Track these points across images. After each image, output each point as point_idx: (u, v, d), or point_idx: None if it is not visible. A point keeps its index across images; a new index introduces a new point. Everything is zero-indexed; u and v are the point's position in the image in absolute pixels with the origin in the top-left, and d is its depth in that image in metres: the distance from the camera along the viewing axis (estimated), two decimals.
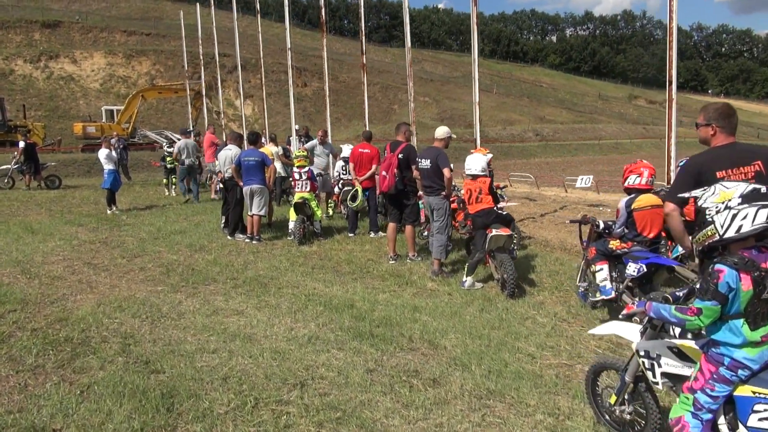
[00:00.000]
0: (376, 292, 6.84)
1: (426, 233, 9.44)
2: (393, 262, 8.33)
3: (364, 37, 13.13)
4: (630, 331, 3.31)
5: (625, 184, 5.53)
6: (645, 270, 5.11)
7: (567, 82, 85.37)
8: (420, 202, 8.66)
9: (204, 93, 25.67)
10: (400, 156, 8.30)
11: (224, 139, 15.55)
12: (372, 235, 10.29)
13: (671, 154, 7.93)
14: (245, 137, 10.54)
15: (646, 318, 3.08)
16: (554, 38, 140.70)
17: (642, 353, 3.10)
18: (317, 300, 6.44)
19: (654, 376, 3.05)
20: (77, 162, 26.81)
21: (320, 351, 4.95)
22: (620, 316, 3.37)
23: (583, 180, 12.60)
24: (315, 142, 12.56)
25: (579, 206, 13.85)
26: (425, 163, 7.52)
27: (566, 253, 8.78)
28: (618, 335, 3.41)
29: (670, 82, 7.90)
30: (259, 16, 22.44)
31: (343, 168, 11.89)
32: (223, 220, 10.94)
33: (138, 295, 6.71)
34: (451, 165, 7.43)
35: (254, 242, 9.87)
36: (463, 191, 7.57)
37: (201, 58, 24.64)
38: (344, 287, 7.07)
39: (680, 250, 6.07)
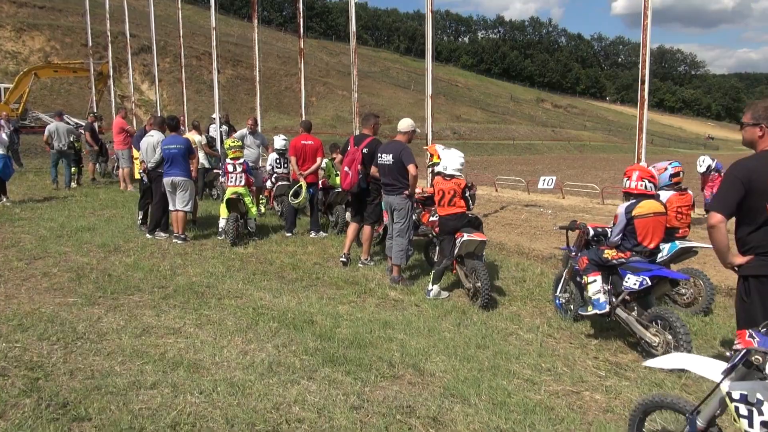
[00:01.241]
0: (334, 303, 6.02)
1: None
2: (343, 260, 7.57)
3: (302, 19, 12.14)
4: (708, 367, 2.73)
5: (627, 186, 5.05)
6: (648, 284, 4.66)
7: (480, 83, 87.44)
8: (383, 203, 7.88)
9: (111, 74, 23.31)
10: (364, 150, 7.44)
11: (136, 125, 14.08)
12: (313, 234, 9.41)
13: (642, 157, 7.65)
14: (165, 122, 9.29)
15: (741, 353, 2.50)
16: (467, 39, 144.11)
17: (736, 396, 2.53)
18: (268, 314, 5.53)
19: (750, 425, 2.49)
20: None
21: (287, 382, 4.09)
22: (732, 352, 2.70)
23: (546, 181, 12.33)
24: (244, 131, 11.45)
25: (518, 206, 13.67)
26: (386, 159, 6.77)
27: (525, 257, 8.36)
28: (690, 370, 2.83)
29: (642, 98, 7.72)
30: None
31: (277, 161, 10.88)
32: (141, 216, 9.64)
33: (44, 310, 5.48)
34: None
35: (179, 242, 8.71)
36: (428, 190, 6.89)
37: (108, 35, 22.37)
38: (295, 297, 6.19)
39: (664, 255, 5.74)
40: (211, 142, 13.40)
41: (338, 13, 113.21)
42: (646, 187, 5.01)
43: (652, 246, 4.92)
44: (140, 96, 44.37)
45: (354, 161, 7.47)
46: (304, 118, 11.44)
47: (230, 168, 8.99)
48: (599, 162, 41.03)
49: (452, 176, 6.45)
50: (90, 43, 23.72)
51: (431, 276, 6.42)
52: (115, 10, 33.91)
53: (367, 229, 7.60)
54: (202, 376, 4.14)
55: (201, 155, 11.98)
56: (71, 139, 14.39)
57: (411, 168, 6.54)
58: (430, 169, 8.64)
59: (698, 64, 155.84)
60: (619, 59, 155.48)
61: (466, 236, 6.23)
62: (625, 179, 5.09)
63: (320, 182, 9.90)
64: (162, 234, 9.04)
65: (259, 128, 12.40)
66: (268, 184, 11.23)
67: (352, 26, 10.39)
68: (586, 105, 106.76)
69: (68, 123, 15.60)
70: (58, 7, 49.91)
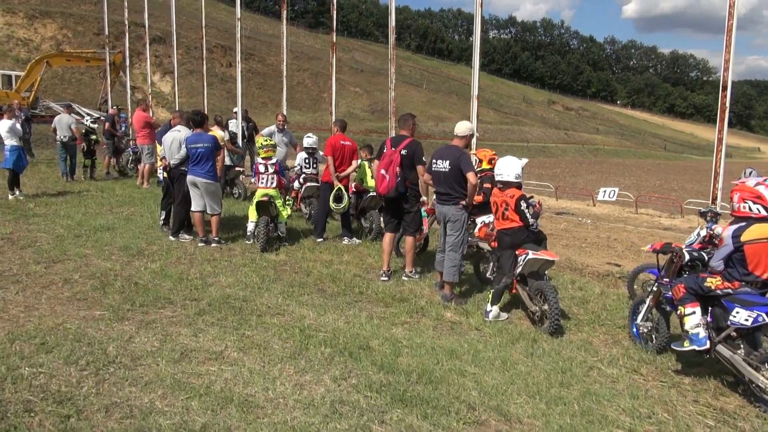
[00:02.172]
0: (387, 324, 5.44)
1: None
2: (386, 279, 6.96)
3: (335, 11, 11.53)
4: None
5: (738, 209, 4.43)
6: (765, 321, 4.06)
7: (492, 83, 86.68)
8: (423, 210, 7.33)
9: (127, 64, 22.76)
10: (403, 152, 6.85)
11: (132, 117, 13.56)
12: (346, 241, 8.84)
13: (719, 170, 6.99)
14: (191, 117, 8.70)
15: None
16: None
17: None
18: (317, 336, 4.96)
19: None
20: None
21: (357, 428, 3.52)
22: None
23: (607, 193, 11.66)
24: (273, 128, 10.87)
25: (551, 215, 13.10)
26: (442, 165, 6.18)
27: (578, 273, 7.77)
28: None
29: (723, 111, 7.05)
30: None
31: (306, 161, 10.31)
32: (163, 216, 9.09)
33: (69, 325, 4.92)
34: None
35: (213, 245, 8.16)
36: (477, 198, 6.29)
37: (126, 23, 21.76)
38: (342, 316, 5.62)
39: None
40: (233, 138, 12.84)
41: (350, 9, 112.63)
42: (751, 210, 4.41)
43: (765, 276, 4.32)
44: (152, 87, 43.85)
45: (392, 164, 6.84)
46: (333, 117, 10.84)
47: (262, 168, 8.41)
48: (616, 167, 40.33)
49: (507, 186, 5.87)
50: (107, 32, 23.08)
51: (489, 295, 5.84)
52: (133, 1, 33.45)
53: (409, 239, 7.02)
54: (258, 417, 3.58)
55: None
56: (81, 130, 14.20)
57: (471, 176, 5.95)
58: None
59: (710, 70, 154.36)
60: (631, 63, 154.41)
61: (531, 254, 5.65)
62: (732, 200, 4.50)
63: (352, 185, 9.33)
64: (186, 236, 8.48)
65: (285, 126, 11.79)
66: (296, 184, 10.65)
67: (392, 20, 9.80)
68: (597, 108, 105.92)
69: (79, 114, 15.14)
70: None
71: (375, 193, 9.17)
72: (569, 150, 54.13)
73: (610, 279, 7.50)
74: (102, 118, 23.26)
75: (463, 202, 6.10)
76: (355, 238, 8.93)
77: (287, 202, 10.63)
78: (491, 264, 6.73)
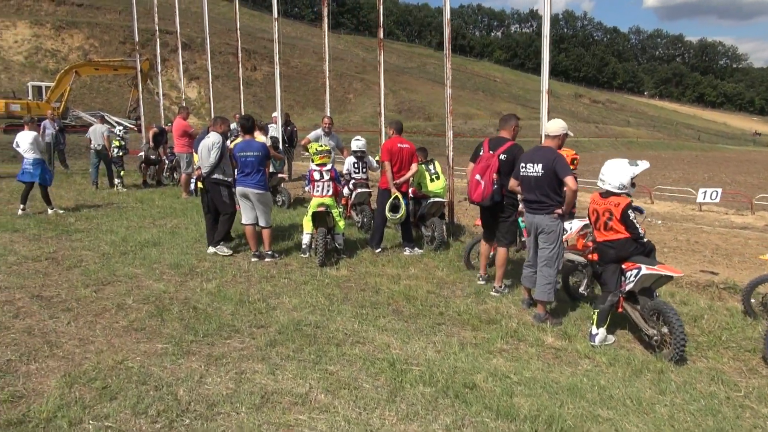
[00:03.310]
0: (484, 354, 4.78)
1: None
2: (481, 282, 6.66)
3: (381, 6, 10.88)
4: None
5: None
6: None
7: (517, 78, 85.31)
8: (520, 220, 6.63)
9: (158, 70, 22.46)
10: (502, 157, 6.14)
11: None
12: (407, 252, 8.19)
13: None
14: (239, 123, 8.13)
15: None
16: (499, 34, 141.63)
17: None
18: (411, 371, 4.32)
19: None
20: (2, 144, 23.10)
21: None
22: None
23: (709, 194, 10.71)
24: (319, 132, 10.29)
25: None
26: (534, 169, 5.48)
27: (675, 284, 6.98)
28: None
29: None
30: None
31: (355, 165, 9.69)
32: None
33: (130, 363, 4.36)
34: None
35: (267, 260, 7.59)
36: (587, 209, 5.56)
37: (157, 31, 21.42)
38: (429, 342, 4.97)
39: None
40: (275, 143, 12.29)
41: (369, 9, 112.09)
42: None
43: None
44: (177, 94, 43.82)
45: (488, 169, 6.15)
46: (383, 118, 10.20)
47: (317, 175, 7.80)
48: (656, 161, 38.88)
49: (611, 193, 5.17)
50: (136, 38, 22.82)
51: (593, 317, 5.13)
52: (150, 8, 33.27)
53: (501, 251, 6.35)
54: None
55: None
56: (113, 139, 14.11)
57: (570, 181, 5.24)
58: None
59: (740, 57, 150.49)
60: (657, 52, 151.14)
61: (645, 269, 4.93)
62: None
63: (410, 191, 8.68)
64: (226, 249, 7.90)
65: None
66: (345, 191, 10.03)
67: (447, 13, 9.14)
68: (625, 100, 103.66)
69: (110, 124, 14.92)
70: (96, 5, 49.72)
71: (435, 199, 8.56)
72: (602, 144, 52.70)
73: (713, 290, 6.72)
74: (133, 127, 23.05)
75: (559, 211, 5.40)
76: (416, 248, 8.28)
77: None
78: (585, 278, 6.01)
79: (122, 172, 14.44)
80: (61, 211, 10.57)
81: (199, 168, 8.08)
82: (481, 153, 6.38)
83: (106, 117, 27.26)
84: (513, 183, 5.81)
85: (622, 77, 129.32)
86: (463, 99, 62.33)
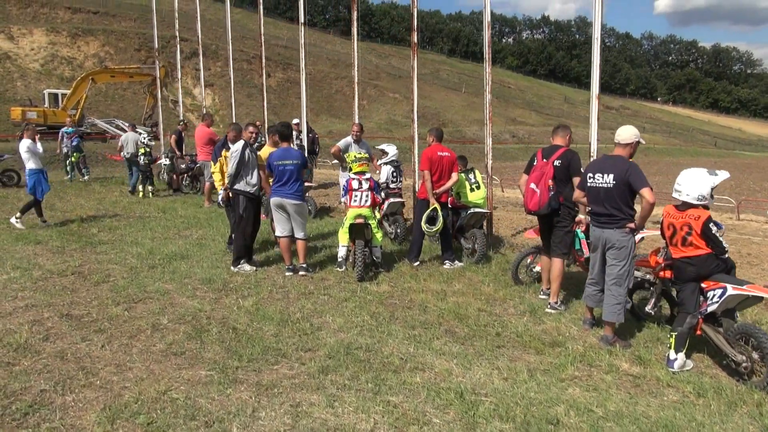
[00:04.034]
0: (556, 382, 4.35)
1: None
2: (543, 297, 6.31)
3: (415, 9, 10.51)
4: None
5: None
6: None
7: (530, 84, 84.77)
8: (579, 231, 6.26)
9: (179, 77, 22.24)
10: (556, 163, 5.90)
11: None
12: (447, 265, 7.79)
13: None
14: (277, 130, 7.78)
15: None
16: (511, 40, 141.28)
17: None
18: (483, 404, 3.91)
19: None
20: (17, 153, 22.93)
21: None
22: None
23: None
24: (348, 139, 9.91)
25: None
26: (603, 180, 5.07)
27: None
28: None
29: None
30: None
31: (393, 174, 9.33)
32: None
33: (175, 393, 3.99)
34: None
35: (301, 273, 7.21)
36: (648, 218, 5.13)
37: (177, 38, 21.22)
38: (494, 368, 4.56)
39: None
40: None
41: (381, 16, 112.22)
42: None
43: None
44: (192, 101, 43.82)
45: (543, 177, 5.92)
46: (415, 125, 9.79)
47: (355, 184, 7.42)
48: (675, 168, 38.33)
49: (689, 205, 4.76)
50: (156, 45, 22.67)
51: (671, 340, 4.69)
52: (165, 15, 33.23)
53: (557, 262, 6.02)
54: None
55: None
56: (140, 148, 14.04)
57: (647, 193, 4.81)
58: None
59: (754, 63, 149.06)
60: (670, 58, 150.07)
61: (731, 289, 4.51)
62: None
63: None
64: (247, 267, 7.51)
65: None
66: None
67: (487, 15, 8.76)
68: (638, 106, 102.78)
69: (139, 133, 14.76)
70: (111, 13, 49.91)
71: (476, 209, 8.17)
72: (584, 152, 51.78)
73: None
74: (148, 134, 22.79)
75: (632, 225, 4.98)
76: (457, 261, 7.88)
77: None
78: (652, 296, 5.58)
79: (150, 185, 14.25)
80: (19, 226, 9.78)
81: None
82: (535, 163, 6.18)
83: (137, 128, 27.32)
84: (578, 194, 5.41)
85: (635, 83, 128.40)
86: (477, 105, 61.88)
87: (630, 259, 5.04)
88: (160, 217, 11.23)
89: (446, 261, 7.83)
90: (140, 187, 14.14)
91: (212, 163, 8.78)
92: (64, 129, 17.85)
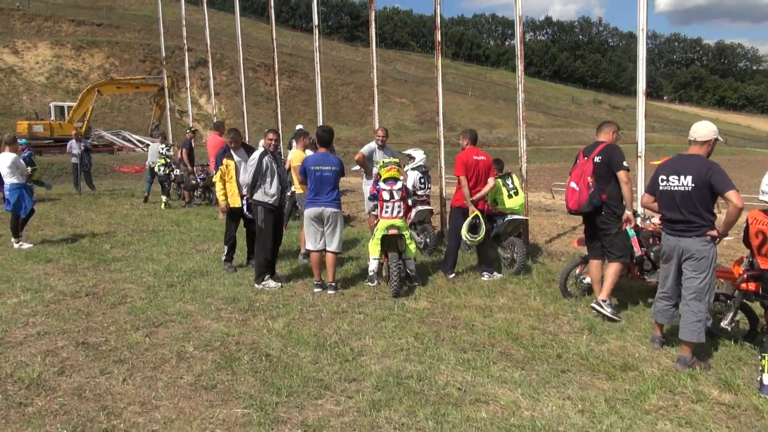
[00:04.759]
0: (641, 415, 3.82)
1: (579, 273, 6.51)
2: (610, 314, 5.65)
3: (439, 17, 10.04)
4: None
5: None
6: None
7: (536, 86, 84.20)
8: (629, 229, 5.86)
9: (186, 86, 21.92)
10: (596, 159, 5.65)
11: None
12: (486, 277, 7.27)
13: None
14: (317, 134, 7.23)
15: None
16: (514, 42, 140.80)
17: None
18: None
19: None
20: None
21: None
22: None
23: None
24: (373, 145, 9.40)
25: None
26: (680, 183, 4.53)
27: None
28: None
29: None
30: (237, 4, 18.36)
31: (421, 180, 8.83)
32: (226, 251, 7.90)
33: None
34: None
35: (330, 291, 6.70)
36: (754, 227, 4.57)
37: (186, 47, 20.88)
38: (565, 399, 4.03)
39: None
40: None
41: (384, 21, 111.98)
42: None
43: None
44: (198, 110, 43.49)
45: (583, 174, 5.63)
46: (441, 128, 9.30)
47: (386, 195, 6.90)
48: None
49: None
50: (163, 54, 22.35)
51: (764, 363, 4.16)
52: (168, 25, 32.91)
53: (614, 266, 5.70)
54: None
55: None
56: (159, 158, 14.21)
57: (734, 196, 4.27)
58: None
59: (760, 59, 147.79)
60: (674, 56, 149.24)
61: None
62: None
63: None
64: (272, 283, 7.00)
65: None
66: None
67: (518, 10, 8.27)
68: (647, 106, 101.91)
69: (165, 145, 14.66)
70: (115, 24, 49.74)
71: (513, 216, 7.66)
72: (630, 151, 51.12)
73: None
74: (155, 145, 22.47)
75: (713, 233, 4.45)
76: (496, 273, 7.35)
77: None
78: (729, 311, 5.04)
79: (165, 194, 14.18)
80: (26, 246, 9.24)
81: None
82: (577, 162, 5.90)
83: (125, 134, 26.89)
84: (647, 199, 4.90)
85: None
86: (484, 108, 61.46)
87: (711, 271, 4.50)
88: (174, 231, 10.76)
89: (485, 273, 7.31)
90: (163, 198, 14.17)
91: (214, 172, 8.20)
92: (72, 141, 17.45)
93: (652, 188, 4.82)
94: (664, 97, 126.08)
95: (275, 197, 7.11)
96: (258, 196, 7.04)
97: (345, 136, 41.37)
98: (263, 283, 6.94)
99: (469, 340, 5.19)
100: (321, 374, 4.43)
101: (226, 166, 7.65)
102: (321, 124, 13.03)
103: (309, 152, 9.98)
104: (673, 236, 4.63)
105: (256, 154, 7.06)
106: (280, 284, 7.00)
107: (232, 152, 7.78)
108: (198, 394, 4.13)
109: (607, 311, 5.60)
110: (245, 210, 7.43)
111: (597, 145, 5.79)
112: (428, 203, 9.01)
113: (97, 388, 4.20)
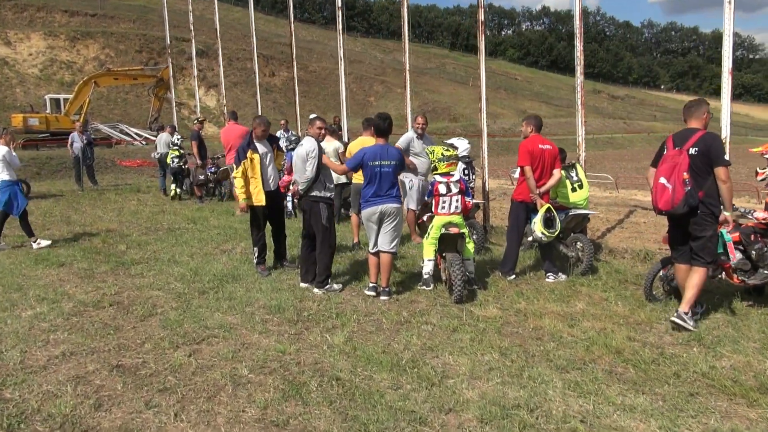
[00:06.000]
0: None
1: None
2: (682, 321, 4.91)
3: (481, 24, 9.30)
4: None
5: None
6: None
7: (535, 76, 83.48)
8: (725, 233, 5.13)
9: (194, 77, 21.06)
10: (692, 151, 4.78)
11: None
12: (551, 279, 6.57)
13: None
14: (374, 123, 6.49)
15: None
16: (510, 32, 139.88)
17: None
18: None
19: None
20: (21, 161, 21.69)
21: None
22: None
23: None
24: (410, 134, 8.64)
25: None
26: None
27: None
28: None
29: None
30: None
31: (465, 172, 8.10)
32: (256, 253, 7.18)
33: None
34: None
35: (383, 297, 5.98)
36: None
37: (193, 36, 20.04)
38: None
39: None
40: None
41: (379, 12, 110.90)
42: None
43: None
44: (197, 102, 42.51)
45: (675, 168, 4.76)
46: (483, 114, 8.60)
47: (443, 188, 6.16)
48: None
49: None
50: (168, 41, 21.54)
51: None
52: (164, 15, 31.91)
53: (699, 272, 4.95)
54: None
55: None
56: (171, 150, 13.91)
57: None
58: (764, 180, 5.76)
59: (756, 48, 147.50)
60: (671, 46, 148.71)
61: None
62: None
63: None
64: (336, 286, 6.30)
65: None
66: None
67: (579, 29, 7.54)
68: (644, 95, 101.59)
69: (175, 136, 14.03)
70: (109, 14, 48.62)
71: (577, 211, 6.96)
72: (635, 140, 50.72)
73: None
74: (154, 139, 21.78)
75: None
76: (561, 274, 6.65)
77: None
78: None
79: (178, 186, 13.76)
80: (44, 243, 8.60)
81: (296, 183, 6.48)
82: (665, 152, 5.02)
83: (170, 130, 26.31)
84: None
85: (637, 72, 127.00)
86: (487, 98, 60.55)
87: None
88: (191, 229, 10.00)
89: (549, 274, 6.60)
90: (172, 186, 13.78)
91: (234, 166, 7.36)
92: (74, 134, 16.63)
93: None
94: (662, 87, 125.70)
95: (333, 191, 6.44)
96: (317, 191, 6.29)
97: (347, 127, 40.54)
98: (327, 286, 6.22)
99: (564, 356, 4.49)
100: (409, 404, 3.73)
101: (251, 160, 6.85)
102: (344, 117, 12.29)
103: (334, 142, 9.30)
104: None
105: (312, 145, 6.25)
106: (341, 286, 6.32)
107: (256, 143, 6.98)
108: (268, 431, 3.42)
109: (690, 324, 4.89)
110: (290, 207, 6.68)
111: (691, 133, 4.90)
112: (473, 197, 8.28)
113: (146, 427, 3.47)
